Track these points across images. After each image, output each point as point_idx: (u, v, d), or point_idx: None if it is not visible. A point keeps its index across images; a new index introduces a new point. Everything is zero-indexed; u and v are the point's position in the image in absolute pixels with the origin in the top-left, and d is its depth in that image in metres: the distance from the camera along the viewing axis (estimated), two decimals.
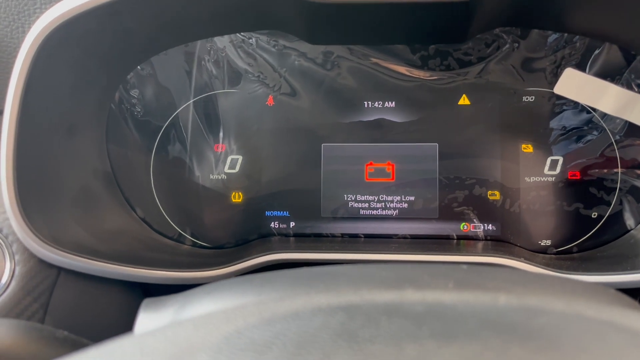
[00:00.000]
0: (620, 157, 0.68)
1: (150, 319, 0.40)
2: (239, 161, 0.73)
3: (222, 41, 0.72)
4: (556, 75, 0.68)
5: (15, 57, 0.55)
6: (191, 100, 0.73)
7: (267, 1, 0.58)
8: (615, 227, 0.69)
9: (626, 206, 0.68)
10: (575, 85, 0.66)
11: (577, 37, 0.67)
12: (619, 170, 0.68)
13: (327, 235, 0.73)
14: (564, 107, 0.69)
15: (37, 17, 0.55)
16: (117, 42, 0.62)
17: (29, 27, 0.56)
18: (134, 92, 0.72)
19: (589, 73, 0.67)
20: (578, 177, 0.69)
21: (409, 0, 0.54)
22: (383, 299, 0.26)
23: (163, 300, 0.41)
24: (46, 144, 0.59)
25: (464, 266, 0.38)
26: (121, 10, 0.54)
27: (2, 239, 0.57)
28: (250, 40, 0.72)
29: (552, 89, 0.68)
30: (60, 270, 0.58)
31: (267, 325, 0.24)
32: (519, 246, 0.70)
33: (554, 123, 0.69)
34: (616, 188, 0.69)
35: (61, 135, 0.62)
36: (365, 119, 0.72)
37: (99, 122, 0.70)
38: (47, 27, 0.52)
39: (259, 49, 0.72)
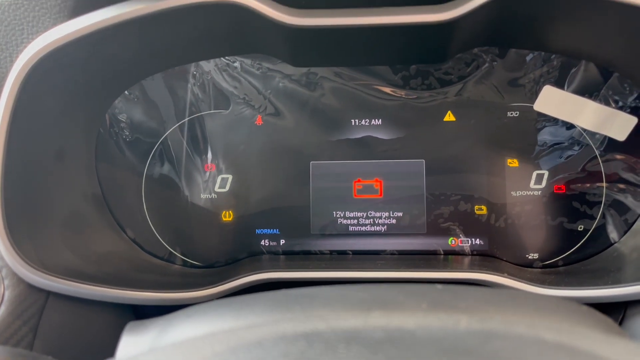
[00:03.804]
0: (604, 171, 0.69)
1: (132, 342, 0.41)
2: (229, 180, 0.74)
3: (207, 65, 0.73)
4: (536, 93, 0.69)
5: (3, 85, 0.56)
6: (180, 122, 0.74)
7: (248, 27, 0.60)
8: (599, 240, 0.69)
9: (609, 220, 0.69)
10: (554, 102, 0.67)
11: (555, 55, 0.69)
12: (604, 184, 0.69)
13: (316, 253, 0.74)
14: (545, 124, 0.70)
15: (25, 47, 0.57)
16: (103, 69, 0.63)
17: (17, 57, 0.57)
18: (122, 117, 0.73)
19: (567, 90, 0.68)
20: (564, 191, 0.70)
21: (384, 24, 0.55)
22: (345, 326, 0.26)
23: (145, 324, 0.42)
24: (34, 170, 0.60)
25: (439, 286, 0.39)
26: (106, 39, 0.56)
27: None
28: (235, 64, 0.73)
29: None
30: (49, 293, 0.59)
31: (232, 354, 0.25)
32: (506, 260, 0.71)
33: (539, 137, 0.70)
34: (600, 202, 0.69)
35: (50, 160, 0.63)
36: (352, 137, 0.73)
37: (88, 147, 0.71)
38: (34, 56, 0.53)
39: (243, 72, 0.73)
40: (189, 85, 0.73)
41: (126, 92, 0.72)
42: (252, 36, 0.63)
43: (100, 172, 0.72)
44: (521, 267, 0.71)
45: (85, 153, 0.70)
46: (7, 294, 0.57)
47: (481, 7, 0.54)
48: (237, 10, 0.55)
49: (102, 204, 0.72)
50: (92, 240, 0.68)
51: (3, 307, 0.56)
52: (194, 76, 0.73)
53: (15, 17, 0.58)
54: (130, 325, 0.42)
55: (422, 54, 0.66)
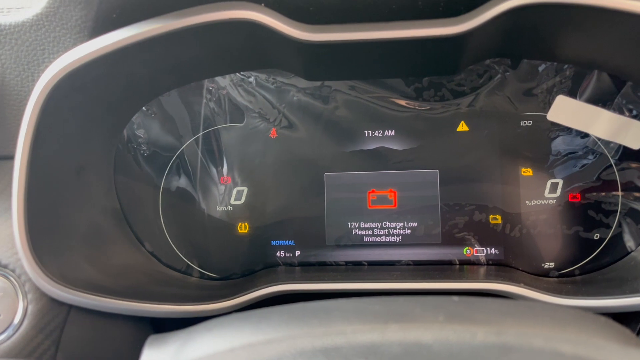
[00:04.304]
0: (619, 180, 0.69)
1: (154, 356, 0.41)
2: (245, 192, 0.75)
3: (223, 80, 0.74)
4: (549, 102, 0.69)
5: (25, 104, 0.57)
6: (196, 136, 0.75)
7: (263, 43, 0.61)
8: (616, 249, 0.69)
9: (625, 228, 0.69)
10: (568, 111, 0.67)
11: (567, 65, 0.69)
12: (620, 193, 0.69)
13: (331, 264, 0.74)
14: (559, 133, 0.70)
15: (46, 67, 0.58)
16: (121, 86, 0.64)
17: (39, 76, 0.59)
18: (140, 132, 0.74)
19: (580, 99, 0.68)
20: (579, 200, 0.70)
21: (396, 38, 0.55)
22: (363, 340, 0.27)
23: (166, 337, 0.43)
24: (56, 186, 0.61)
25: (455, 298, 0.39)
26: (125, 57, 0.57)
27: (15, 279, 0.59)
28: (250, 79, 0.74)
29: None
30: (70, 307, 0.60)
31: None
32: (521, 270, 0.71)
33: (552, 147, 0.70)
34: (616, 210, 0.69)
35: (70, 176, 0.64)
36: (366, 148, 0.74)
37: (107, 162, 0.72)
38: (55, 76, 0.55)
39: (258, 87, 0.74)
40: (205, 100, 0.74)
41: (143, 107, 0.74)
42: (266, 52, 0.64)
43: (118, 187, 0.74)
44: (537, 276, 0.70)
45: (104, 168, 0.71)
46: (30, 308, 0.58)
47: (493, 20, 0.54)
48: (252, 27, 0.56)
49: (120, 218, 0.73)
50: (111, 253, 0.69)
51: (26, 321, 0.58)
52: (209, 91, 0.74)
53: (36, 37, 0.59)
54: (151, 339, 0.43)
55: (435, 66, 0.66)
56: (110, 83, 0.62)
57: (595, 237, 0.70)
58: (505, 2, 0.53)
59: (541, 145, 0.70)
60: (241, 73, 0.74)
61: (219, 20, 0.54)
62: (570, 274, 0.70)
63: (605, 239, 0.69)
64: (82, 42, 0.57)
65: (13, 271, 0.59)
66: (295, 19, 0.57)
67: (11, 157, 0.60)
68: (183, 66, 0.66)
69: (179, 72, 0.68)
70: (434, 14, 0.57)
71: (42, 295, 0.58)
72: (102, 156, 0.71)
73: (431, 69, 0.68)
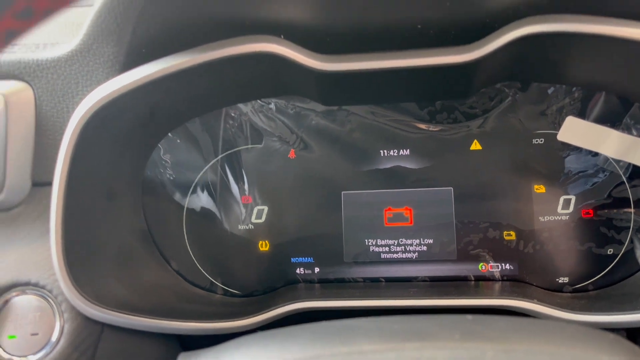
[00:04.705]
0: (631, 197, 0.70)
1: None
2: (265, 211, 0.78)
3: (244, 107, 0.77)
4: (559, 123, 0.71)
5: (61, 134, 0.61)
6: (218, 157, 0.78)
7: (282, 72, 0.64)
8: (628, 265, 0.70)
9: (637, 244, 0.70)
10: (578, 132, 0.69)
11: (576, 87, 0.70)
12: (632, 210, 0.70)
13: (349, 280, 0.76)
14: (570, 152, 0.71)
15: (80, 99, 0.62)
16: (149, 115, 0.68)
17: (73, 108, 0.63)
18: (166, 157, 0.78)
19: (589, 120, 0.70)
20: (591, 216, 0.71)
21: (409, 66, 0.58)
22: (382, 359, 0.29)
23: (197, 355, 0.45)
24: (89, 211, 0.65)
25: (469, 317, 0.41)
26: (153, 89, 0.60)
27: (52, 299, 0.62)
28: (270, 106, 0.77)
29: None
30: (104, 325, 0.63)
31: None
32: (536, 285, 0.72)
33: (564, 164, 0.72)
34: (628, 227, 0.70)
35: (102, 201, 0.67)
36: (382, 167, 0.76)
37: (135, 186, 0.75)
38: (90, 109, 0.58)
39: (277, 112, 0.77)
40: (227, 125, 0.77)
41: (169, 134, 0.77)
42: (285, 80, 0.67)
43: (146, 209, 0.77)
44: (551, 291, 0.72)
45: (133, 192, 0.75)
46: (66, 326, 0.61)
47: (502, 48, 0.56)
48: (272, 59, 0.60)
49: (148, 239, 0.76)
50: (140, 273, 0.72)
51: (63, 340, 0.61)
52: (232, 117, 0.77)
53: (71, 71, 0.63)
54: (182, 357, 0.46)
55: (447, 91, 0.69)
56: (139, 113, 0.65)
57: (608, 253, 0.71)
58: (514, 31, 0.55)
59: (553, 162, 0.72)
60: (262, 100, 0.77)
61: (242, 53, 0.58)
62: (584, 289, 0.71)
63: (618, 254, 0.70)
64: (113, 75, 0.61)
65: (50, 292, 0.62)
66: (312, 49, 0.60)
67: (46, 184, 0.64)
68: (207, 95, 0.70)
69: (203, 101, 0.72)
70: (445, 42, 0.59)
71: (77, 314, 0.62)
72: (131, 181, 0.74)
73: (443, 94, 0.71)
